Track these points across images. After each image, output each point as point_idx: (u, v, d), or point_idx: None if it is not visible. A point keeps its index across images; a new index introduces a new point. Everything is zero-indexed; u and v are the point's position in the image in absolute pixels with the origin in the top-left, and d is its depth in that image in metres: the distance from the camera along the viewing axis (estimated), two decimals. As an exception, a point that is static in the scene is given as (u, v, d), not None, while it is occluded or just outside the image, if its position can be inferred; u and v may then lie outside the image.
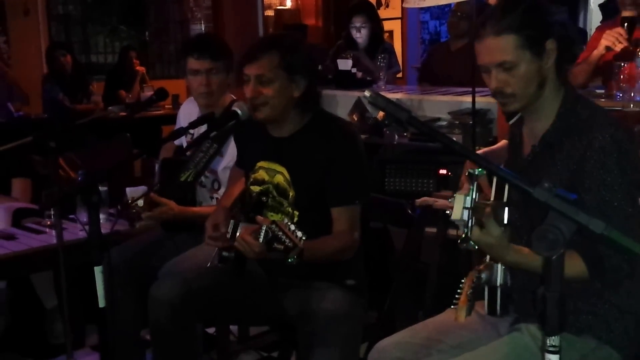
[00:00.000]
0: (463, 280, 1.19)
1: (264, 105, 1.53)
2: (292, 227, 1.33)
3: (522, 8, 1.20)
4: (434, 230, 1.96)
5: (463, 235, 1.09)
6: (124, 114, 3.13)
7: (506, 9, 1.22)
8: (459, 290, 1.18)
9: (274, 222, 1.35)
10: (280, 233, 1.32)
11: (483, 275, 1.19)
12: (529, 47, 1.19)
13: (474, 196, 1.08)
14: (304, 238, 1.32)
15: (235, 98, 2.03)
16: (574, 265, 1.13)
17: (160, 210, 1.85)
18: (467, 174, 1.14)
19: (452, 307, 1.18)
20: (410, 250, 1.86)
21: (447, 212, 1.10)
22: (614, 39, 2.10)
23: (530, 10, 1.20)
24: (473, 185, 1.09)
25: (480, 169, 1.09)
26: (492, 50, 1.21)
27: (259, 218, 1.43)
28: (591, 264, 1.14)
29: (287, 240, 1.32)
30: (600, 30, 2.65)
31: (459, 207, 1.08)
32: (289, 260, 1.36)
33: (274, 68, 1.51)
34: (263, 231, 1.34)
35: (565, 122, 1.22)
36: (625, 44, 2.11)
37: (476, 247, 1.12)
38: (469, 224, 1.08)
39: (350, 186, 1.54)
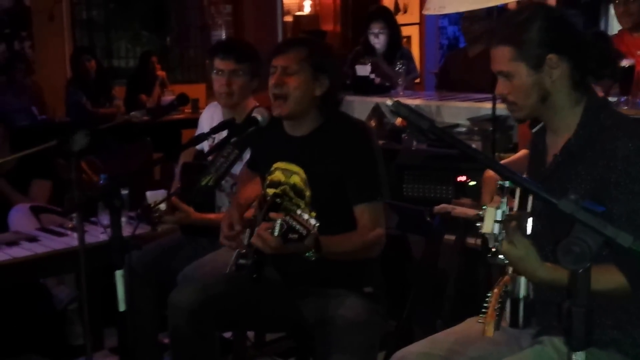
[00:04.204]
0: (489, 294, 1.16)
1: (285, 98, 1.55)
2: (305, 216, 1.34)
3: (520, 21, 1.19)
4: (452, 237, 1.94)
5: (493, 250, 1.06)
6: (146, 118, 3.19)
7: (508, 20, 1.23)
8: (485, 304, 1.15)
9: (287, 214, 1.35)
10: (294, 222, 1.33)
11: (507, 288, 1.16)
12: (524, 60, 1.19)
13: (505, 209, 1.05)
14: (317, 225, 1.33)
15: (258, 104, 2.05)
16: (613, 279, 1.10)
17: (179, 217, 1.88)
18: (497, 186, 1.12)
19: (479, 321, 1.15)
20: (429, 258, 1.84)
21: (478, 224, 1.08)
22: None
23: (528, 23, 1.18)
24: (504, 198, 1.06)
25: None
26: (494, 58, 1.24)
27: (272, 214, 1.43)
28: (633, 276, 1.10)
29: (301, 228, 1.33)
30: (618, 37, 2.60)
31: (490, 220, 1.05)
32: (307, 254, 1.36)
33: (301, 61, 1.55)
34: (278, 224, 1.34)
35: (587, 132, 1.20)
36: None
37: (506, 262, 1.09)
38: (500, 238, 1.05)
39: (370, 183, 1.55)
